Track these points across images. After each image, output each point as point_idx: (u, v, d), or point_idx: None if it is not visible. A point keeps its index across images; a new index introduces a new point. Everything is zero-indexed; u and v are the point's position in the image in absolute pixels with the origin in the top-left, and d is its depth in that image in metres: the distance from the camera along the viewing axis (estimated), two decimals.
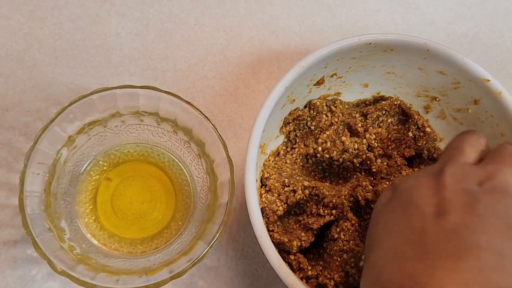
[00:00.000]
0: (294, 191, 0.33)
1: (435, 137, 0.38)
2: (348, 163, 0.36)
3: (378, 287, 0.25)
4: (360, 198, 0.34)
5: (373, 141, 0.37)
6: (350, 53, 0.34)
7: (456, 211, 0.25)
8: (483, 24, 0.46)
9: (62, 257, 0.29)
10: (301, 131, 0.37)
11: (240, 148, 0.40)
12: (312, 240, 0.34)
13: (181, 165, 0.37)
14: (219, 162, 0.32)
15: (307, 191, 0.34)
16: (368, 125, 0.38)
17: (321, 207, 0.34)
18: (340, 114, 0.37)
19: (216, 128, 0.32)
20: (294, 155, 0.37)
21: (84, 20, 0.40)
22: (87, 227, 0.34)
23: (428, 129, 0.37)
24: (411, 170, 0.37)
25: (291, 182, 0.34)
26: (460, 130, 0.35)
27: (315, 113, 0.37)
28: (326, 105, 0.37)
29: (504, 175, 0.27)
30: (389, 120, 0.39)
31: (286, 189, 0.34)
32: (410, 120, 0.38)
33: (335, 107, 0.37)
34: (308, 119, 0.37)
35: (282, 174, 0.35)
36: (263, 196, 0.33)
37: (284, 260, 0.31)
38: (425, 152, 0.38)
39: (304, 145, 0.37)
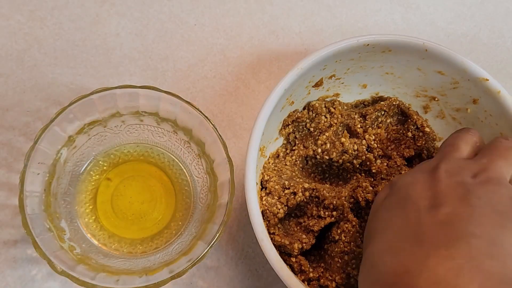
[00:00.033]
0: (295, 193, 0.33)
1: (434, 137, 0.38)
2: (348, 164, 0.36)
3: (373, 277, 0.25)
4: (360, 199, 0.34)
5: (372, 142, 0.37)
6: (349, 54, 0.34)
7: (449, 203, 0.26)
8: (483, 24, 0.47)
9: (62, 257, 0.29)
10: (300, 133, 0.37)
11: (240, 148, 0.40)
12: (313, 242, 0.34)
13: (181, 165, 0.37)
14: (219, 162, 0.32)
15: (307, 193, 0.34)
16: (367, 126, 0.38)
17: (321, 209, 0.34)
18: (339, 115, 0.37)
19: (216, 128, 0.32)
20: (293, 157, 0.37)
21: (84, 20, 0.40)
22: (87, 227, 0.34)
23: (427, 129, 0.38)
24: None
25: (291, 184, 0.34)
26: None
27: (314, 115, 0.37)
28: (325, 107, 0.37)
29: (498, 167, 0.27)
30: (388, 121, 0.39)
31: (286, 191, 0.34)
32: (409, 120, 0.38)
33: (334, 108, 0.37)
34: (307, 120, 0.37)
35: (282, 176, 0.35)
36: (263, 199, 0.33)
37: (285, 262, 0.31)
38: (425, 152, 0.38)
39: (304, 147, 0.37)
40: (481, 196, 0.25)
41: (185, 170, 0.37)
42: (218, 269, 0.37)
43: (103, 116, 0.33)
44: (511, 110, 0.34)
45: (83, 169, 0.35)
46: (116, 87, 0.31)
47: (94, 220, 0.35)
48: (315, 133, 0.36)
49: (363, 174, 0.37)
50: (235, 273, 0.37)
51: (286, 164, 0.36)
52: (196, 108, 0.32)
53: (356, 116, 0.38)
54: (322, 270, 0.33)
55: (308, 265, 0.33)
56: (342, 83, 0.38)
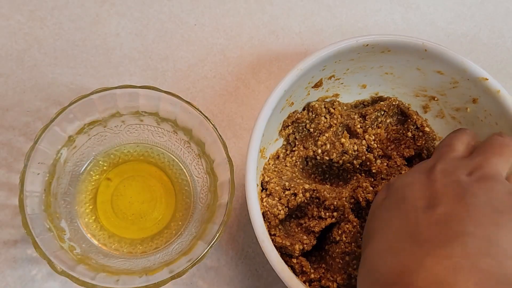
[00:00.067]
0: (295, 195, 0.33)
1: (434, 136, 0.38)
2: (348, 164, 0.36)
3: (373, 277, 0.25)
4: (361, 199, 0.34)
5: (372, 142, 0.37)
6: (348, 54, 0.34)
7: (446, 202, 0.26)
8: (483, 24, 0.47)
9: (62, 257, 0.29)
10: (300, 134, 0.37)
11: (240, 148, 0.40)
12: (314, 243, 0.33)
13: (181, 165, 0.37)
14: (219, 162, 0.32)
15: (308, 194, 0.34)
16: (367, 126, 0.38)
17: (322, 210, 0.34)
18: (339, 116, 0.37)
19: (216, 128, 0.32)
20: (293, 158, 0.36)
21: (84, 20, 0.40)
22: (87, 227, 0.34)
23: (427, 129, 0.38)
24: None
25: (292, 185, 0.34)
26: None
27: (313, 116, 0.37)
28: (325, 107, 0.37)
29: (493, 164, 0.28)
30: (388, 121, 0.39)
31: (287, 192, 0.34)
32: (409, 120, 0.38)
33: (334, 108, 0.37)
34: (307, 121, 0.37)
35: (283, 177, 0.35)
36: (264, 200, 0.33)
37: (286, 263, 0.31)
38: (425, 151, 0.38)
39: (304, 147, 0.37)
40: (477, 194, 0.26)
41: (185, 170, 0.37)
42: (218, 269, 0.37)
43: (103, 116, 0.33)
44: (510, 110, 0.34)
45: (83, 169, 0.35)
46: (116, 87, 0.31)
47: (94, 220, 0.35)
48: (315, 133, 0.36)
49: (363, 175, 0.37)
50: (235, 273, 0.37)
51: (286, 165, 0.36)
52: (196, 108, 0.32)
53: (355, 117, 0.38)
54: (323, 271, 0.33)
55: (309, 266, 0.33)
56: (342, 83, 0.38)
